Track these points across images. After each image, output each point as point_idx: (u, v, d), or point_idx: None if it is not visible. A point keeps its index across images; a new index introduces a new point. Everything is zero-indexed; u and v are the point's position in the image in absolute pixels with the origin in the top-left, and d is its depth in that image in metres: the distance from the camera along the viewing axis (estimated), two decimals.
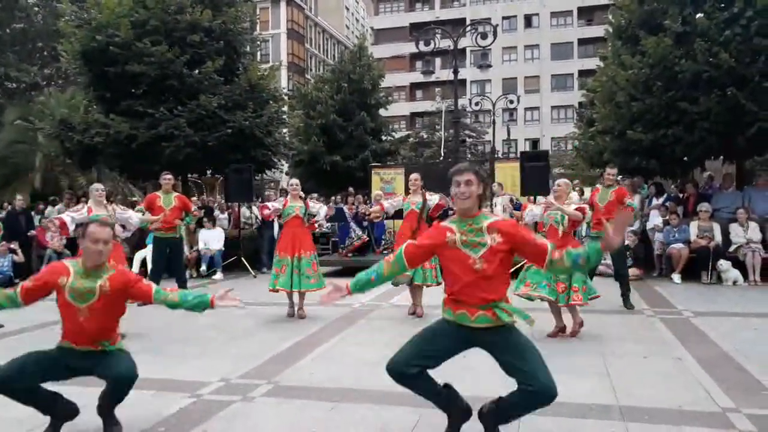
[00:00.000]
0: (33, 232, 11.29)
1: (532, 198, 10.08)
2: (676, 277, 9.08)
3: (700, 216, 9.31)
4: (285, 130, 17.43)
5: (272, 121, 14.53)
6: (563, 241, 5.59)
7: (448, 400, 3.02)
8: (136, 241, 11.25)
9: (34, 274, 3.43)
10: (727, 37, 9.29)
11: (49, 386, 3.28)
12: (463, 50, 38.72)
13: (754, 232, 9.04)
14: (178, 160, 12.59)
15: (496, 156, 26.87)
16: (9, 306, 3.25)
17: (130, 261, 10.63)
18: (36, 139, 18.51)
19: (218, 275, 11.01)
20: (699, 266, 9.03)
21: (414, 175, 7.11)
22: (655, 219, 10.12)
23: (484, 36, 14.95)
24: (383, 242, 11.92)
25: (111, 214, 6.49)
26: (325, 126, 21.39)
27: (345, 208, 12.61)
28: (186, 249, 10.45)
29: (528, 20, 51.11)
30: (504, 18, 49.39)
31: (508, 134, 39.00)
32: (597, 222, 6.89)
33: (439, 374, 2.98)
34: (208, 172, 16.20)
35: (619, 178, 9.20)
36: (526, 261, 5.62)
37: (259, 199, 14.41)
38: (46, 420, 3.27)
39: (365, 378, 4.24)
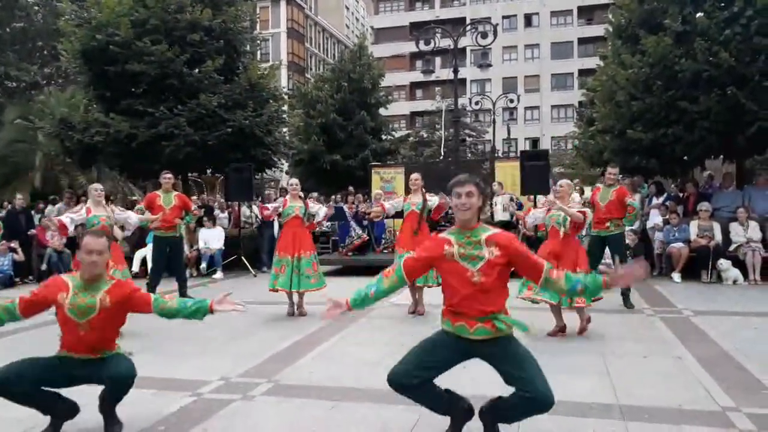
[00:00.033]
0: (33, 231, 11.29)
1: (531, 197, 10.09)
2: (676, 276, 9.08)
3: (700, 215, 9.31)
4: (285, 130, 17.44)
5: (272, 120, 14.54)
6: (564, 243, 5.61)
7: (449, 403, 3.02)
8: (136, 240, 11.25)
9: (33, 277, 3.43)
10: (727, 36, 9.29)
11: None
12: (463, 49, 38.70)
13: (754, 231, 9.04)
14: (178, 159, 12.59)
15: (496, 155, 26.87)
16: (7, 319, 3.23)
17: (130, 260, 10.65)
18: (36, 138, 18.52)
19: (218, 274, 11.01)
20: (699, 265, 9.03)
21: (414, 175, 7.10)
22: (655, 218, 10.13)
23: (484, 35, 14.95)
24: (383, 241, 11.92)
25: (110, 215, 6.50)
26: (325, 125, 21.40)
27: (345, 207, 12.61)
28: (186, 248, 10.45)
29: (528, 19, 51.11)
30: (504, 17, 49.41)
31: (508, 133, 39.00)
32: (598, 221, 6.90)
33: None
34: (208, 171, 16.20)
35: (620, 177, 9.20)
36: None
37: (259, 198, 14.41)
38: (45, 419, 3.27)
39: (365, 377, 4.25)
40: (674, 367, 4.51)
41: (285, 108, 17.21)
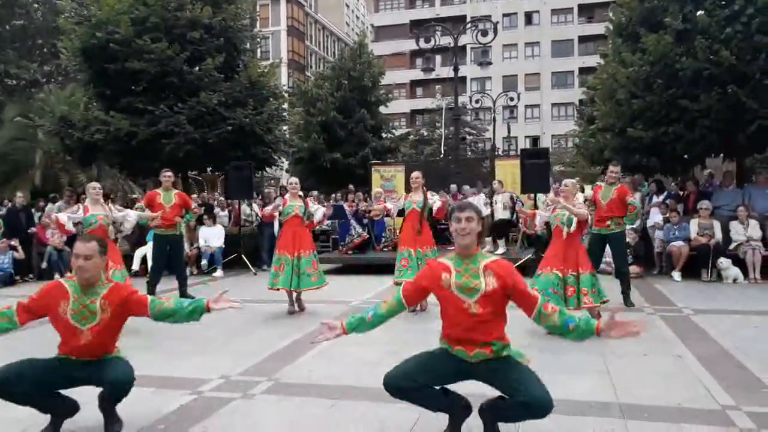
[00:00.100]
0: (33, 229, 11.30)
1: (531, 196, 10.08)
2: (676, 274, 9.08)
3: (700, 214, 9.31)
4: (285, 128, 17.42)
5: (272, 119, 14.53)
6: (567, 243, 5.62)
7: (447, 402, 3.03)
8: (136, 238, 11.26)
9: (33, 275, 3.42)
10: (728, 34, 9.28)
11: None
12: (464, 47, 38.70)
13: (755, 229, 9.04)
14: (178, 158, 12.59)
15: (496, 153, 26.87)
16: (6, 326, 3.18)
17: (130, 258, 10.66)
18: (36, 136, 18.50)
19: (218, 272, 11.02)
20: (699, 264, 9.02)
21: (415, 173, 7.11)
22: (656, 217, 10.12)
23: (484, 33, 14.95)
24: (383, 240, 11.92)
25: (108, 213, 6.49)
26: (325, 123, 21.39)
27: (345, 206, 12.61)
28: (186, 246, 10.46)
29: (528, 17, 51.05)
30: (504, 15, 49.37)
31: (509, 131, 38.99)
32: (599, 219, 6.90)
33: None
34: (208, 169, 16.19)
35: (621, 175, 9.21)
36: (538, 263, 5.66)
37: (259, 197, 14.41)
38: (45, 419, 3.27)
39: (365, 376, 4.25)
40: (674, 365, 4.51)
41: (285, 106, 17.19)
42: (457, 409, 3.04)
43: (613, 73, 11.38)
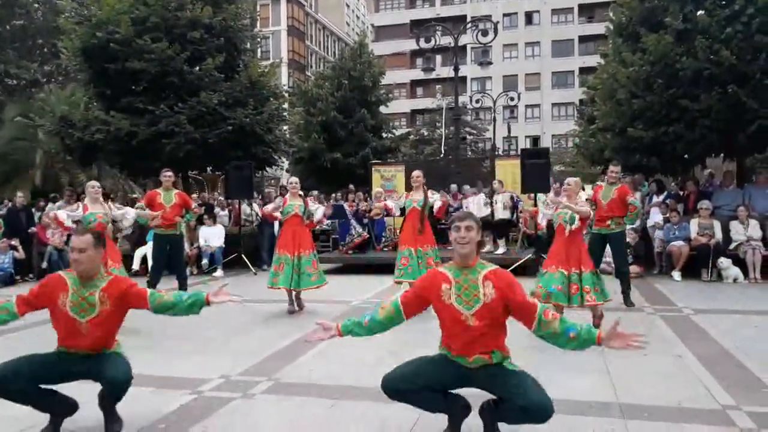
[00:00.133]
0: (34, 229, 11.30)
1: (532, 195, 10.08)
2: (677, 274, 9.07)
3: (700, 213, 9.30)
4: (285, 127, 17.43)
5: (272, 118, 14.53)
6: (569, 241, 5.63)
7: (446, 403, 3.03)
8: (137, 238, 11.27)
9: (33, 274, 3.42)
10: (728, 34, 9.27)
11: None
12: (464, 47, 38.70)
13: (755, 229, 9.04)
14: (178, 157, 12.59)
15: (496, 153, 26.87)
16: (6, 318, 3.22)
17: (130, 258, 10.67)
18: (36, 136, 18.51)
19: (219, 272, 11.02)
20: (699, 264, 9.02)
21: (416, 172, 7.12)
22: (656, 216, 10.12)
23: (484, 33, 14.93)
24: (383, 239, 11.92)
25: (107, 211, 6.50)
26: (325, 123, 21.39)
27: (345, 206, 12.61)
28: (186, 246, 10.45)
29: (529, 17, 51.03)
30: (505, 15, 49.35)
31: (509, 131, 38.97)
32: (599, 219, 6.90)
33: None
34: (209, 169, 16.19)
35: (621, 175, 9.21)
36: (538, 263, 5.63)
37: (260, 196, 14.42)
38: (44, 417, 3.27)
39: (365, 375, 4.24)
40: (674, 365, 4.51)
41: (285, 106, 17.20)
42: (457, 409, 3.04)
43: (614, 73, 11.38)
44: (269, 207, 7.51)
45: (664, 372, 4.31)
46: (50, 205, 12.23)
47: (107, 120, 12.53)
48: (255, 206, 12.57)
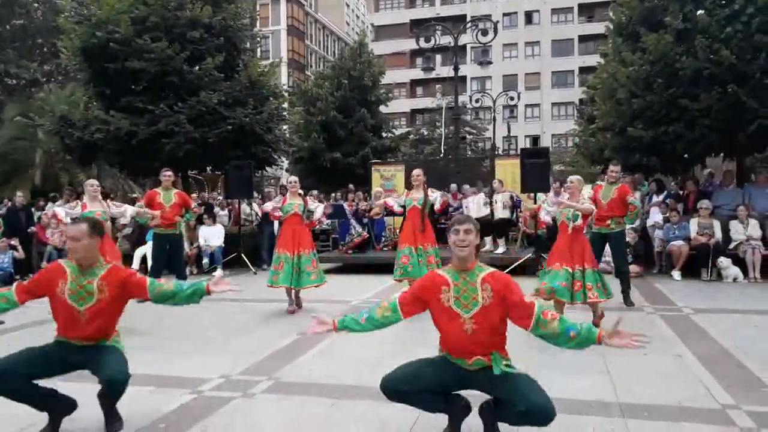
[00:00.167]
0: (33, 229, 11.30)
1: (532, 195, 10.08)
2: (676, 274, 9.08)
3: (700, 213, 9.31)
4: (285, 127, 17.43)
5: (272, 118, 14.54)
6: (572, 238, 5.65)
7: (446, 403, 3.03)
8: (136, 237, 11.27)
9: (33, 274, 3.43)
10: (728, 34, 9.28)
11: (47, 382, 3.27)
12: (464, 47, 38.64)
13: (754, 229, 9.04)
14: (178, 157, 12.59)
15: (496, 153, 26.85)
16: (5, 306, 3.23)
17: (130, 258, 10.66)
18: (36, 135, 18.51)
19: (218, 272, 10.96)
20: (699, 263, 9.02)
21: (416, 171, 7.14)
22: (656, 216, 10.12)
23: (484, 33, 14.91)
24: (383, 239, 11.92)
25: (105, 209, 6.51)
26: (325, 123, 21.38)
27: (345, 205, 12.61)
28: (186, 245, 10.45)
29: (528, 17, 51.03)
30: (504, 14, 49.35)
31: (509, 131, 38.97)
32: (599, 218, 6.90)
33: None
34: (208, 168, 16.19)
35: (622, 175, 9.21)
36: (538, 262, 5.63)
37: (260, 196, 14.42)
38: (43, 416, 3.26)
39: (365, 375, 4.24)
40: (674, 365, 4.51)
41: (285, 105, 17.21)
42: (457, 409, 3.04)
43: (614, 73, 11.38)
44: (268, 205, 7.53)
45: (664, 371, 4.31)
46: (50, 204, 12.25)
47: (107, 119, 12.52)
48: (255, 206, 12.57)
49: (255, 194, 13.64)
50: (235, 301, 7.78)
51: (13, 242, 10.76)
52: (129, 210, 6.98)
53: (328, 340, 5.52)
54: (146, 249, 10.51)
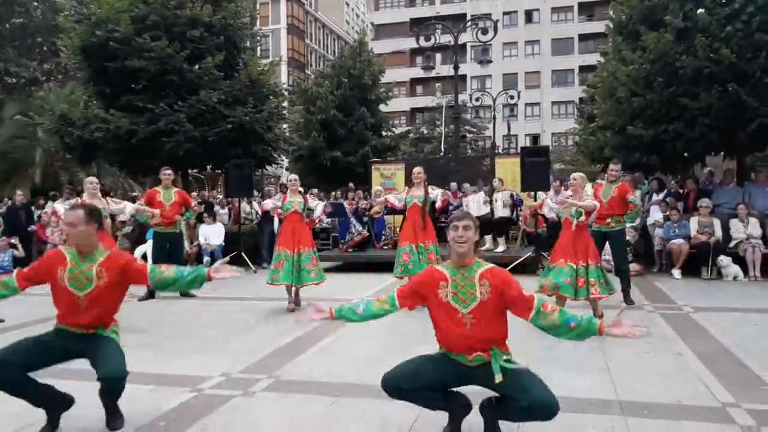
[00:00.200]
0: (33, 227, 11.31)
1: (532, 194, 10.08)
2: (676, 272, 9.07)
3: (700, 211, 9.31)
4: (285, 126, 17.45)
5: (272, 117, 14.54)
6: (576, 235, 5.67)
7: (447, 401, 3.03)
8: (137, 236, 11.27)
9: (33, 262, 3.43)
10: (729, 32, 9.27)
11: (46, 380, 3.27)
12: (464, 45, 38.59)
13: (755, 227, 9.04)
14: (178, 156, 12.59)
15: (496, 151, 26.85)
16: (5, 293, 3.24)
17: None
18: (36, 134, 18.51)
19: (219, 263, 11.00)
20: (699, 262, 9.02)
21: (417, 169, 7.14)
22: (656, 214, 10.12)
23: (484, 31, 14.89)
24: (383, 237, 11.93)
25: (105, 206, 6.54)
26: (325, 121, 21.37)
27: (345, 204, 12.61)
28: (186, 244, 10.45)
29: (528, 15, 50.98)
30: (504, 13, 49.28)
31: (509, 130, 38.95)
32: (599, 217, 6.90)
33: None
34: (208, 167, 16.20)
35: (622, 174, 9.21)
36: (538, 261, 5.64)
37: (260, 195, 14.43)
38: (43, 415, 3.25)
39: (366, 373, 4.24)
40: (674, 363, 4.51)
41: (285, 104, 17.22)
42: (457, 407, 3.03)
43: (614, 71, 11.37)
44: (268, 202, 7.55)
45: (664, 370, 4.32)
46: (50, 203, 12.25)
47: (107, 118, 12.53)
48: (255, 204, 12.57)
49: (255, 193, 13.65)
50: (235, 300, 7.79)
51: (13, 241, 10.77)
52: (128, 207, 7.01)
53: (328, 339, 5.52)
54: (146, 247, 10.50)
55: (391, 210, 8.31)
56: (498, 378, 2.80)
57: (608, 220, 6.87)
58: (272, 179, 31.03)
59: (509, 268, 2.90)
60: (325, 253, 10.76)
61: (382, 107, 24.49)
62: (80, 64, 13.46)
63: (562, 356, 4.56)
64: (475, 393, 3.11)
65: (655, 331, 5.60)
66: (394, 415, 3.42)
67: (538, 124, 49.32)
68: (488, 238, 10.60)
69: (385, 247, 11.52)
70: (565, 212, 5.78)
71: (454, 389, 3.05)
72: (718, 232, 9.06)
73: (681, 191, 10.79)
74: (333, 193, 15.41)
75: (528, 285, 5.70)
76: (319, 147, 20.97)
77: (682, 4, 10.03)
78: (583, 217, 5.65)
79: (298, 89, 24.84)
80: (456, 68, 14.55)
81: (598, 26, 35.95)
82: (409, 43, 43.46)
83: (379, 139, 22.86)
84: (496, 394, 2.96)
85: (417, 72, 42.03)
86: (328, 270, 8.88)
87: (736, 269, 8.75)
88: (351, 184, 15.24)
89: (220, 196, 14.24)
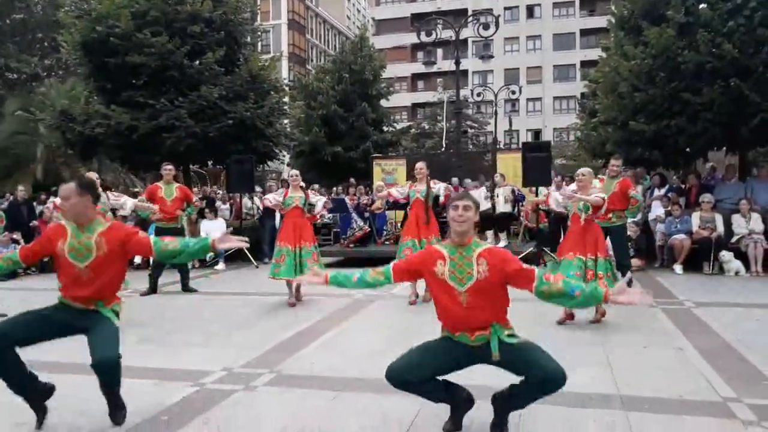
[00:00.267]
0: (35, 223, 11.32)
1: (533, 189, 10.08)
2: (678, 267, 9.07)
3: (702, 207, 9.30)
4: (286, 121, 17.41)
5: (273, 112, 14.51)
6: (585, 228, 5.69)
7: (449, 395, 3.03)
8: None
9: (35, 268, 3.46)
10: (731, 27, 9.24)
11: (45, 379, 3.29)
12: (465, 41, 38.51)
13: (756, 222, 9.03)
14: (179, 151, 12.59)
15: (498, 147, 26.83)
16: (8, 267, 3.32)
17: None
18: (37, 130, 18.52)
19: (220, 265, 11.04)
20: (701, 257, 9.02)
21: (420, 164, 7.14)
22: (658, 210, 10.11)
23: (486, 26, 14.89)
24: (384, 233, 11.93)
25: (105, 201, 6.54)
26: (326, 117, 21.36)
27: (346, 199, 12.61)
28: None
29: (530, 10, 50.85)
30: (506, 8, 49.15)
31: (510, 125, 38.86)
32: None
33: None
34: (210, 163, 16.20)
35: (623, 169, 9.19)
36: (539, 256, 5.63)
37: (261, 190, 14.43)
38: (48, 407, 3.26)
39: (367, 367, 4.25)
40: (675, 358, 4.51)
41: (286, 99, 17.18)
42: (459, 401, 3.04)
43: (615, 66, 11.34)
44: (269, 197, 7.56)
45: (666, 365, 4.32)
46: (51, 198, 12.26)
47: (108, 114, 12.52)
48: (256, 200, 12.58)
49: (256, 188, 13.65)
50: (236, 295, 7.81)
51: (15, 236, 10.77)
52: (128, 202, 7.01)
53: (330, 333, 5.54)
54: None
55: (393, 205, 8.30)
56: (495, 356, 2.82)
57: (609, 215, 6.86)
58: (273, 175, 31.03)
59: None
60: (326, 249, 10.76)
61: (384, 102, 24.46)
62: (81, 60, 13.44)
63: (562, 351, 4.54)
64: (479, 388, 3.12)
65: (656, 326, 5.61)
66: (396, 409, 3.43)
67: (540, 120, 49.25)
68: (490, 233, 10.60)
69: (387, 243, 11.52)
70: (573, 206, 5.79)
71: (457, 384, 3.05)
72: (720, 228, 9.06)
73: (683, 186, 10.78)
74: (334, 189, 15.42)
75: None
76: (320, 142, 20.95)
77: None
78: (591, 212, 5.66)
79: (299, 85, 24.81)
80: (457, 63, 14.55)
81: (599, 21, 35.91)
82: (410, 38, 43.32)
83: (381, 135, 22.84)
84: (507, 387, 2.95)
85: (418, 67, 41.92)
86: (329, 265, 8.89)
87: (737, 264, 8.74)
88: (352, 180, 15.25)
89: (222, 192, 14.23)
